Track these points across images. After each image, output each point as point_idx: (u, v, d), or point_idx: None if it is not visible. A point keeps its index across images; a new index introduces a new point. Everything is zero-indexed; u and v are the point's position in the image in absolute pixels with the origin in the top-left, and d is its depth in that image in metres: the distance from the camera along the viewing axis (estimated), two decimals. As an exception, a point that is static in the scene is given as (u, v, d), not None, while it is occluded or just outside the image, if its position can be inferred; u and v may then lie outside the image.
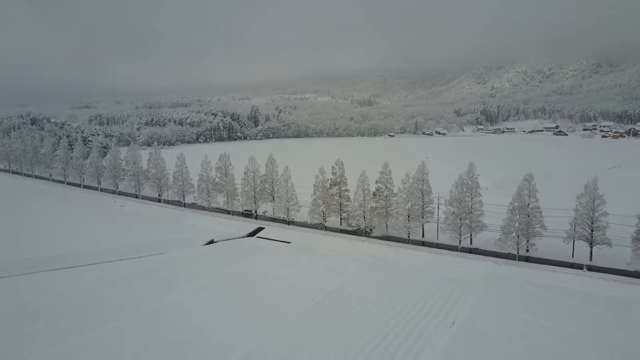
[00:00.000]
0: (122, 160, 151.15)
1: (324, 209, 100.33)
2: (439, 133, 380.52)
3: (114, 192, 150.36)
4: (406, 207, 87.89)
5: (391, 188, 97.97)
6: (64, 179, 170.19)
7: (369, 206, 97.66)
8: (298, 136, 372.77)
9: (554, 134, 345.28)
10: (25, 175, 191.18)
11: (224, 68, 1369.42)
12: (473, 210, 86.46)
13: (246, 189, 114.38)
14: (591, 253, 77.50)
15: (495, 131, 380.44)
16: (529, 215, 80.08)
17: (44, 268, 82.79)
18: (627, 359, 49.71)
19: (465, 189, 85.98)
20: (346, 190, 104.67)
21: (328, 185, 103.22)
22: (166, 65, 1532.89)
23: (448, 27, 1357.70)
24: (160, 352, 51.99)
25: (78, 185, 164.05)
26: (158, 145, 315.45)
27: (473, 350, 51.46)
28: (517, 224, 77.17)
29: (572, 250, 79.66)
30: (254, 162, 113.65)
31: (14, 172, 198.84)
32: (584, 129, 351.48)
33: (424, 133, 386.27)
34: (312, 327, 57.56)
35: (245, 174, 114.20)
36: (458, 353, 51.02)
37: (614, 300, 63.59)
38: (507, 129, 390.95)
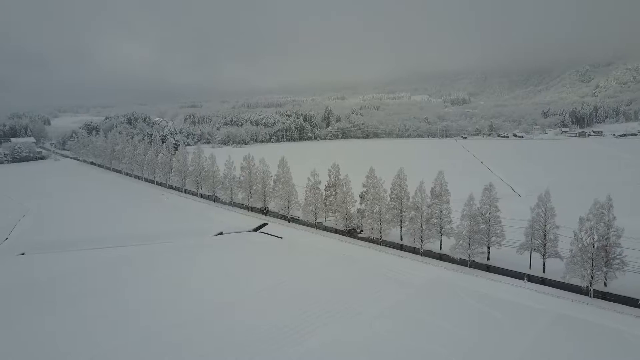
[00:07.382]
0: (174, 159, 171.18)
1: (313, 209, 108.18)
2: (515, 136, 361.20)
3: (165, 186, 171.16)
4: (374, 211, 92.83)
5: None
6: (131, 173, 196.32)
7: (353, 209, 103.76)
8: (367, 137, 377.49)
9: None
10: (106, 168, 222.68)
11: (333, 67, 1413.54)
12: (442, 217, 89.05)
13: (255, 187, 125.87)
14: (544, 265, 76.68)
15: (580, 134, 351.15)
16: (489, 222, 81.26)
17: (74, 248, 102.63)
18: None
19: (426, 196, 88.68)
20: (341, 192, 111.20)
21: (324, 188, 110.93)
22: (276, 66, 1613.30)
23: (555, 24, 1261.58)
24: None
25: (141, 179, 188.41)
26: (232, 144, 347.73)
27: (355, 344, 57.09)
28: (464, 232, 78.86)
29: (529, 261, 79.41)
30: (264, 164, 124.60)
31: (99, 166, 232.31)
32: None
33: (499, 135, 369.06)
34: (235, 311, 66.94)
35: (255, 174, 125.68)
36: (338, 344, 57.01)
37: (532, 311, 64.12)
38: (594, 132, 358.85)
